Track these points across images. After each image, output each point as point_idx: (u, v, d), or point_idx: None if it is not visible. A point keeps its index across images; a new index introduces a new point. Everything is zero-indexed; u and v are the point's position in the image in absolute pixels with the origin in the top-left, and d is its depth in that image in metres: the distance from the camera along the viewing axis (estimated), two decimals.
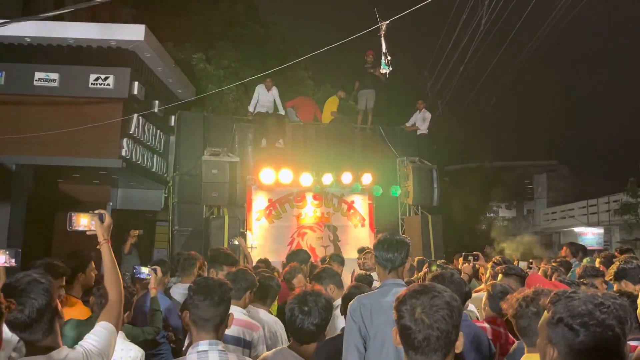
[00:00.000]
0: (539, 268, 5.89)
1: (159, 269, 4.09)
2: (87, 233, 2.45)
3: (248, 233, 9.92)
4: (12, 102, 8.34)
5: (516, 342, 3.01)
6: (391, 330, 2.55)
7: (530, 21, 11.73)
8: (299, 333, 2.69)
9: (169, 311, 4.01)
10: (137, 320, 3.75)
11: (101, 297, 2.42)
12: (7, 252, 3.20)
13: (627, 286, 3.46)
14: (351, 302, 2.74)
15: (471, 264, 5.99)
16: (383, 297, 2.66)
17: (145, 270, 4.05)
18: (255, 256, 7.93)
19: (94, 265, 3.80)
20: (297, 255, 5.62)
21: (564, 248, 7.49)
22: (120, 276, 2.42)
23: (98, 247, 2.41)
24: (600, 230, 24.37)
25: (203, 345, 2.23)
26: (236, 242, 6.85)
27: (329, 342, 2.88)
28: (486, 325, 3.45)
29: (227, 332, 3.59)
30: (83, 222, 2.45)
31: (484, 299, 3.69)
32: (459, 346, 1.58)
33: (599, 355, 1.37)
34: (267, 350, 3.18)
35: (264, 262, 6.07)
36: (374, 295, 2.75)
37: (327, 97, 12.54)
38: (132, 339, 3.21)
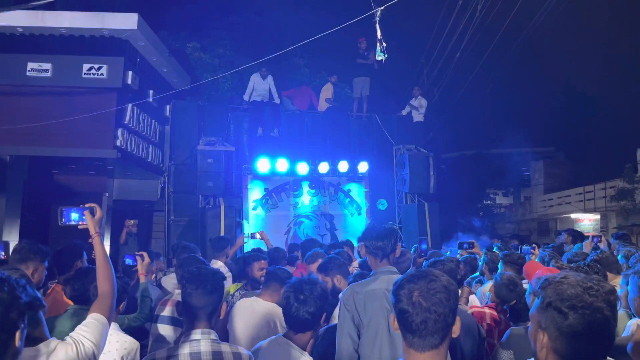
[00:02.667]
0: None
1: (145, 254, 4.09)
2: (79, 227, 2.46)
3: (244, 222, 9.92)
4: (4, 92, 8.28)
5: (509, 329, 3.03)
6: (384, 318, 2.57)
7: (527, 6, 11.66)
8: (294, 321, 2.69)
9: (158, 301, 4.03)
10: (128, 310, 3.76)
11: (96, 289, 2.41)
12: None
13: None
14: (344, 290, 2.74)
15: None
16: (376, 285, 2.66)
17: (130, 258, 4.07)
18: (252, 246, 7.95)
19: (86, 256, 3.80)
20: (314, 244, 5.66)
21: (565, 235, 7.57)
22: (113, 268, 2.42)
23: (90, 240, 2.41)
24: (596, 217, 24.44)
25: (195, 334, 2.23)
26: (258, 237, 6.84)
27: (330, 330, 2.87)
28: (486, 310, 3.46)
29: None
30: (74, 216, 2.46)
31: (488, 285, 3.69)
32: (456, 330, 1.59)
33: (588, 337, 1.37)
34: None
35: (257, 251, 6.09)
36: (366, 283, 2.75)
37: (323, 84, 12.49)
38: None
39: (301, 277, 2.99)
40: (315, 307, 2.68)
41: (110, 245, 9.22)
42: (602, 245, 6.02)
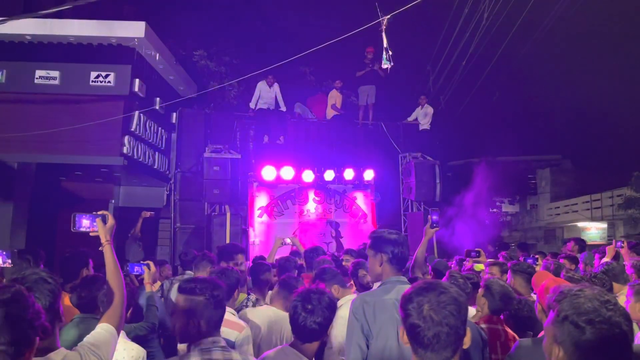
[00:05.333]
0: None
1: (151, 263, 4.07)
2: (90, 234, 2.45)
3: (250, 230, 9.91)
4: (13, 100, 8.34)
5: (518, 341, 2.98)
6: (394, 328, 2.54)
7: (532, 14, 11.65)
8: (301, 331, 2.67)
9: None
10: (132, 318, 3.75)
11: (105, 295, 2.39)
12: (4, 253, 3.19)
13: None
14: (354, 299, 2.72)
15: None
16: (386, 295, 2.64)
17: (137, 268, 4.06)
18: (257, 253, 7.94)
19: (91, 263, 3.80)
20: (317, 253, 5.61)
21: (572, 243, 7.51)
22: (123, 277, 2.40)
23: (100, 248, 2.40)
24: (603, 225, 24.25)
25: (205, 342, 2.23)
26: (288, 241, 6.81)
27: None
28: (482, 325, 3.39)
29: None
30: (86, 223, 2.45)
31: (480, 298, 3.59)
32: (466, 342, 1.56)
33: (605, 353, 1.34)
34: (254, 349, 3.19)
35: (260, 258, 6.08)
36: (376, 292, 2.72)
37: (329, 92, 12.50)
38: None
39: (309, 287, 2.97)
40: (323, 317, 2.66)
41: (116, 252, 9.22)
42: (623, 251, 5.97)
